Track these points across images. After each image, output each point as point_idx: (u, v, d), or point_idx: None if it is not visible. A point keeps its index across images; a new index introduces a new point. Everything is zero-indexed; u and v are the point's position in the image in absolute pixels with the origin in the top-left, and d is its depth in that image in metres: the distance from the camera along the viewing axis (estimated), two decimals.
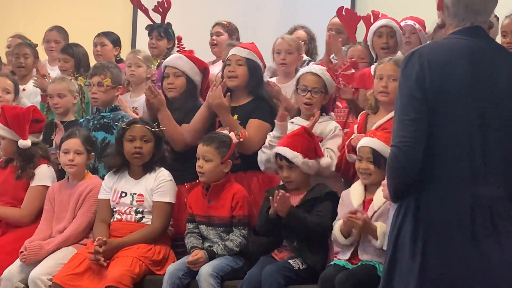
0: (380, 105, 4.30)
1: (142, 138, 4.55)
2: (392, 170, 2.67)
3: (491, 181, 2.64)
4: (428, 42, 2.96)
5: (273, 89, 4.88)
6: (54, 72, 6.21)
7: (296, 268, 4.03)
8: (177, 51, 5.47)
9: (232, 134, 4.45)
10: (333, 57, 5.33)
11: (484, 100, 2.67)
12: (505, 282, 2.64)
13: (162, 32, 6.13)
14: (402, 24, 5.29)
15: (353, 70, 4.83)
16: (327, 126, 4.48)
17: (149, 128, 4.58)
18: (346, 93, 4.84)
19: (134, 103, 5.53)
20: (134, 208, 4.53)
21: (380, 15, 5.39)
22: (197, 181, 4.56)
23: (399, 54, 5.13)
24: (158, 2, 6.16)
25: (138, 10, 6.91)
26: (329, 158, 4.34)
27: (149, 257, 4.36)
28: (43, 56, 6.61)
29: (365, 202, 3.97)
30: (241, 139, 4.46)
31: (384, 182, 2.90)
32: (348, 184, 4.29)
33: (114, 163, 4.66)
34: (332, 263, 3.96)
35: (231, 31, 6.27)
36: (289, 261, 4.07)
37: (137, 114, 5.29)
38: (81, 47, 6.16)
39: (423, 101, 2.62)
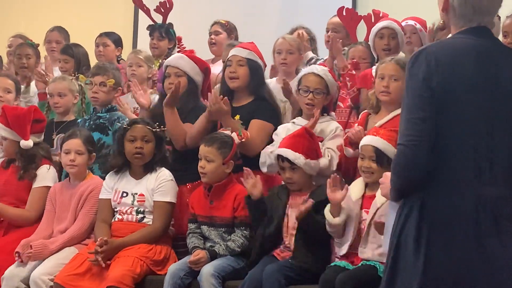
0: (381, 105, 4.30)
1: (143, 138, 4.55)
2: (399, 168, 2.67)
3: (496, 181, 2.64)
4: (435, 41, 2.94)
5: (286, 88, 4.85)
6: (55, 72, 6.21)
7: (297, 267, 4.03)
8: (178, 51, 5.48)
9: (234, 135, 4.45)
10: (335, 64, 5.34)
11: (490, 100, 2.67)
12: (507, 282, 2.64)
13: (164, 33, 6.13)
14: (403, 24, 5.29)
15: (353, 72, 4.83)
16: (328, 126, 4.48)
17: (150, 128, 4.58)
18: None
19: (135, 103, 5.52)
20: (135, 208, 4.53)
21: (381, 14, 5.39)
22: (199, 181, 4.56)
23: (400, 53, 5.13)
24: (160, 2, 6.16)
25: (139, 10, 6.93)
26: (328, 158, 4.34)
27: (150, 257, 4.37)
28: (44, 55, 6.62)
29: (364, 198, 3.97)
30: (243, 140, 4.46)
31: (383, 180, 2.91)
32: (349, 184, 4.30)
33: (115, 163, 4.66)
34: (332, 264, 3.95)
35: (230, 30, 6.28)
36: (290, 260, 4.07)
37: (137, 114, 5.28)
38: (81, 47, 6.16)
39: (430, 100, 2.62)
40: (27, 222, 4.80)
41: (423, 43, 5.26)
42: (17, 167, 4.91)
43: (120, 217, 4.54)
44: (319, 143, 4.35)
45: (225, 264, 4.21)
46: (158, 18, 6.23)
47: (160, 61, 5.90)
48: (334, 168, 4.34)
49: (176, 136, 4.76)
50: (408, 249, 2.64)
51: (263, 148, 4.50)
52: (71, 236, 4.58)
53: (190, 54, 5.14)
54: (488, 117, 2.66)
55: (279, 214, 4.20)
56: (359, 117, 4.47)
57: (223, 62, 5.08)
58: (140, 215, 4.52)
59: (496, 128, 2.67)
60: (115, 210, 4.58)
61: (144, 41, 6.59)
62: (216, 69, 5.54)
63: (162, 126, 4.65)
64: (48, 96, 5.45)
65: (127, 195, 4.56)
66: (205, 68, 5.00)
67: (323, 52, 6.03)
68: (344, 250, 3.95)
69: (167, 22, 6.19)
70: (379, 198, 3.85)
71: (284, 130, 4.50)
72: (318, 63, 5.36)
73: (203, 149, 4.37)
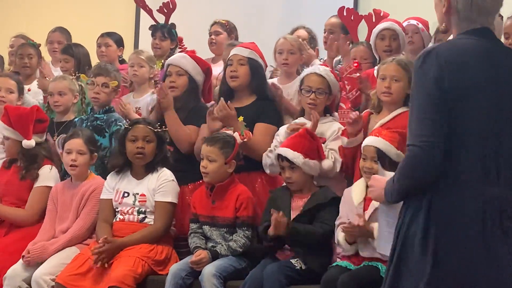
0: (383, 105, 4.30)
1: (144, 138, 4.55)
2: (410, 169, 2.64)
3: (503, 182, 2.65)
4: (445, 41, 2.92)
5: (276, 91, 4.87)
6: (57, 73, 6.20)
7: (298, 268, 4.03)
8: (179, 52, 5.48)
9: (236, 135, 4.45)
10: (340, 60, 5.33)
11: (496, 101, 2.67)
12: (507, 282, 2.64)
13: (166, 33, 6.12)
14: (405, 24, 5.29)
15: (358, 74, 4.83)
16: (330, 127, 4.48)
17: (152, 128, 4.58)
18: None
19: (137, 104, 5.52)
20: (137, 208, 4.53)
21: (381, 14, 5.38)
22: (200, 181, 4.57)
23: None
24: (163, 2, 6.16)
25: (141, 10, 6.91)
26: (332, 159, 4.34)
27: (151, 257, 4.37)
28: (46, 57, 6.61)
29: (366, 200, 3.96)
30: (245, 139, 4.46)
31: (373, 183, 2.90)
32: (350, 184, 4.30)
33: (116, 163, 4.66)
34: (334, 264, 3.96)
35: (230, 30, 6.27)
36: (291, 260, 4.07)
37: (140, 114, 5.28)
38: (82, 47, 6.15)
39: (443, 101, 2.60)
40: (25, 222, 4.80)
41: (425, 43, 5.26)
42: (19, 167, 4.91)
43: (121, 217, 4.55)
44: (322, 144, 4.35)
45: (226, 264, 4.21)
46: (160, 19, 6.22)
47: (162, 61, 5.89)
48: (338, 169, 4.34)
49: (179, 139, 4.77)
50: (415, 249, 2.63)
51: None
52: (72, 236, 4.59)
53: (192, 54, 5.15)
54: (495, 118, 2.66)
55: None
56: (362, 115, 4.45)
57: (224, 62, 5.07)
58: (142, 215, 4.52)
59: (503, 129, 2.67)
60: (117, 210, 4.58)
61: (146, 42, 6.58)
62: (216, 69, 5.53)
63: (163, 126, 4.65)
64: (48, 95, 5.45)
65: (128, 195, 4.56)
66: (206, 69, 5.01)
67: (323, 52, 6.05)
68: (350, 251, 3.95)
69: (169, 22, 6.18)
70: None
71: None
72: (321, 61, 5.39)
73: (205, 149, 4.37)
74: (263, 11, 7.59)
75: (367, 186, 3.97)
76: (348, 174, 4.40)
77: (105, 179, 4.69)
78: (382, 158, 3.89)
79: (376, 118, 4.31)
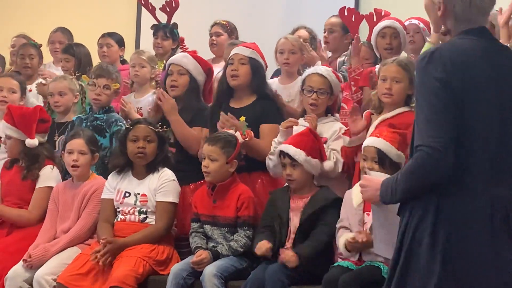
0: (383, 105, 4.30)
1: (145, 138, 4.55)
2: (422, 171, 2.60)
3: (510, 182, 2.64)
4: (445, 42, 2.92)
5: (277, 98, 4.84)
6: (57, 72, 6.22)
7: (300, 268, 4.02)
8: (180, 52, 5.48)
9: (238, 134, 4.45)
10: (344, 61, 5.31)
11: (500, 101, 2.67)
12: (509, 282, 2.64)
13: (168, 33, 6.12)
14: (407, 23, 5.28)
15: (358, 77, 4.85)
16: (331, 126, 4.49)
17: (153, 128, 4.59)
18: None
19: (138, 104, 5.52)
20: (138, 209, 4.54)
21: (382, 13, 5.38)
22: (202, 181, 4.57)
23: (403, 54, 5.13)
24: (166, 1, 6.16)
25: (142, 10, 6.91)
26: (333, 160, 4.34)
27: (153, 257, 4.37)
28: (48, 57, 6.61)
29: (366, 202, 3.93)
30: (247, 139, 4.46)
31: (365, 183, 2.87)
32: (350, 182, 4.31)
33: (117, 163, 4.67)
34: (336, 264, 3.95)
35: (231, 30, 6.27)
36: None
37: (141, 114, 5.28)
38: (83, 47, 6.15)
39: (450, 101, 2.59)
40: (29, 223, 4.80)
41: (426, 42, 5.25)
42: (21, 167, 4.92)
43: (122, 217, 4.55)
44: (324, 145, 4.35)
45: (227, 264, 4.21)
46: (161, 18, 6.22)
47: (164, 62, 5.89)
48: (340, 170, 4.34)
49: (187, 142, 4.76)
50: (423, 252, 2.61)
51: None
52: (73, 236, 4.59)
53: (194, 54, 5.15)
54: (501, 117, 2.66)
55: (285, 221, 4.18)
56: (363, 116, 4.45)
57: (225, 62, 5.07)
58: (143, 215, 4.53)
59: (506, 129, 2.67)
60: (118, 210, 4.59)
61: (147, 42, 6.58)
62: (217, 70, 5.53)
63: (164, 126, 4.66)
64: (48, 95, 5.46)
65: (129, 195, 4.56)
66: (208, 69, 5.02)
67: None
68: (351, 257, 3.94)
69: (171, 22, 6.19)
70: None
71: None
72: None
73: (206, 148, 4.37)
74: (263, 11, 7.58)
75: None
76: (350, 174, 4.40)
77: (106, 179, 4.70)
78: (382, 159, 3.89)
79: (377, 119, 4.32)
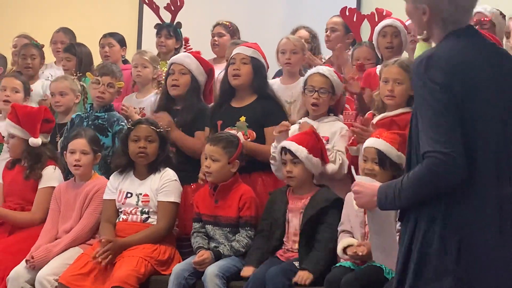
0: (386, 106, 4.30)
1: (147, 138, 4.55)
2: (435, 177, 2.54)
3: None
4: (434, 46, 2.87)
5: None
6: (58, 72, 6.23)
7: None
8: (184, 52, 5.49)
9: (240, 134, 4.45)
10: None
11: (502, 99, 2.66)
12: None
13: (172, 32, 6.13)
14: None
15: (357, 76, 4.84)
16: (333, 125, 4.49)
17: (154, 128, 4.58)
18: (353, 87, 4.79)
19: (141, 104, 5.53)
20: (140, 209, 4.54)
21: (384, 13, 5.38)
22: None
23: (404, 54, 5.13)
24: (171, 0, 6.17)
25: (144, 11, 6.90)
26: (340, 162, 4.33)
27: (154, 257, 4.37)
28: (50, 57, 6.61)
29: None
30: (249, 139, 4.46)
31: (358, 189, 2.80)
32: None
33: (119, 163, 4.67)
34: (338, 264, 3.95)
35: (233, 31, 6.26)
36: (294, 262, 4.06)
37: (144, 115, 5.28)
38: (84, 46, 6.15)
39: (455, 105, 2.56)
40: (33, 224, 4.79)
41: None
42: (23, 167, 4.92)
43: (124, 217, 4.55)
44: (326, 144, 4.35)
45: (229, 264, 4.21)
46: (164, 18, 6.23)
47: (167, 62, 5.89)
48: (346, 171, 4.34)
49: (191, 151, 4.77)
50: (434, 255, 2.57)
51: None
52: (75, 236, 4.59)
53: (196, 54, 5.15)
54: (501, 116, 2.64)
55: (280, 223, 4.20)
56: (365, 116, 4.45)
57: (227, 61, 5.08)
58: (145, 215, 4.53)
59: (509, 128, 2.65)
60: (120, 210, 4.59)
61: (149, 42, 6.58)
62: (219, 71, 5.52)
63: (166, 127, 4.66)
64: (49, 95, 5.45)
65: (131, 195, 4.56)
66: (209, 69, 5.03)
67: (325, 52, 6.05)
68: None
69: (175, 21, 6.19)
70: None
71: (291, 131, 4.49)
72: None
73: (208, 149, 4.37)
74: (264, 12, 7.57)
75: None
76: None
77: (109, 178, 4.70)
78: (383, 160, 3.89)
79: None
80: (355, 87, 4.70)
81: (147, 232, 4.46)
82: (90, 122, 5.07)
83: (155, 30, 6.25)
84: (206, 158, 4.38)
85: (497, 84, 2.66)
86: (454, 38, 2.68)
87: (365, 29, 5.51)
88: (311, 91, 4.51)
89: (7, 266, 4.53)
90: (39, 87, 6.05)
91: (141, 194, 4.55)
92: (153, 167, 4.59)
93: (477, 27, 4.92)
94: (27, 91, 5.66)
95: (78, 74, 5.60)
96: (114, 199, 4.59)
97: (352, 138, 4.29)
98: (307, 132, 4.27)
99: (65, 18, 7.50)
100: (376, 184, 2.79)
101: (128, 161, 4.61)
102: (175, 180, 4.56)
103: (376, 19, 5.35)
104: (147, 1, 6.35)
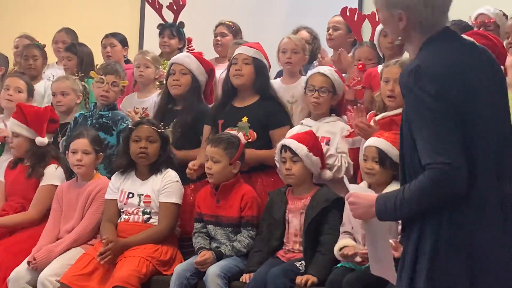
0: (387, 106, 4.30)
1: (148, 138, 4.56)
2: (439, 189, 2.51)
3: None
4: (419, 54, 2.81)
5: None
6: (60, 71, 6.23)
7: (303, 270, 4.02)
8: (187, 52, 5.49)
9: (240, 135, 4.46)
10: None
11: (498, 98, 2.65)
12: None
13: (174, 31, 6.14)
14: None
15: (359, 87, 4.85)
16: (333, 125, 4.49)
17: (155, 128, 4.59)
18: (348, 94, 4.80)
19: (143, 104, 5.53)
20: (142, 209, 4.54)
21: None
22: (203, 181, 4.58)
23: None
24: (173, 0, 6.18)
25: (146, 11, 6.90)
26: (346, 165, 4.34)
27: (156, 257, 4.38)
28: (52, 57, 6.61)
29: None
30: (250, 140, 4.46)
31: (353, 200, 2.73)
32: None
33: (120, 163, 4.67)
34: (339, 265, 3.95)
35: (236, 31, 6.26)
36: (295, 263, 4.07)
37: (147, 115, 5.27)
38: (85, 46, 6.15)
39: (452, 112, 2.52)
40: (32, 222, 4.80)
41: None
42: (25, 166, 4.93)
43: (126, 217, 4.56)
44: (327, 146, 4.36)
45: (231, 264, 4.22)
46: (167, 18, 6.23)
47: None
48: (351, 173, 4.34)
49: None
50: (446, 261, 2.55)
51: None
52: (77, 236, 4.60)
53: (197, 55, 5.15)
54: (497, 116, 2.63)
55: (280, 223, 4.20)
56: (367, 116, 4.45)
57: (229, 61, 5.08)
58: (146, 216, 4.54)
59: (506, 126, 2.65)
60: (121, 210, 4.59)
61: (151, 42, 6.58)
62: (220, 71, 5.53)
63: (167, 127, 4.66)
64: (51, 95, 5.46)
65: (133, 196, 4.57)
66: (210, 70, 5.03)
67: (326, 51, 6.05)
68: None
69: (178, 21, 6.20)
70: None
71: (293, 132, 4.48)
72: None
73: (209, 150, 4.37)
74: (266, 12, 7.58)
75: (369, 187, 3.99)
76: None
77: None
78: (383, 159, 3.90)
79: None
80: (349, 95, 4.72)
81: (148, 232, 4.47)
82: (94, 121, 5.08)
83: (157, 30, 6.26)
84: (207, 160, 4.38)
85: (490, 83, 2.64)
86: (436, 43, 2.63)
87: (366, 29, 5.51)
88: (312, 90, 4.52)
89: (8, 266, 4.54)
90: (41, 87, 6.05)
91: (142, 194, 4.55)
92: (154, 168, 4.59)
93: (481, 29, 4.93)
94: (31, 92, 5.67)
95: (80, 74, 5.60)
96: (116, 199, 4.60)
97: (351, 131, 4.30)
98: (308, 132, 4.28)
99: (67, 18, 7.51)
100: (371, 193, 2.75)
101: (129, 161, 4.62)
102: (177, 181, 4.56)
103: (377, 19, 5.35)
104: (150, 1, 6.36)
